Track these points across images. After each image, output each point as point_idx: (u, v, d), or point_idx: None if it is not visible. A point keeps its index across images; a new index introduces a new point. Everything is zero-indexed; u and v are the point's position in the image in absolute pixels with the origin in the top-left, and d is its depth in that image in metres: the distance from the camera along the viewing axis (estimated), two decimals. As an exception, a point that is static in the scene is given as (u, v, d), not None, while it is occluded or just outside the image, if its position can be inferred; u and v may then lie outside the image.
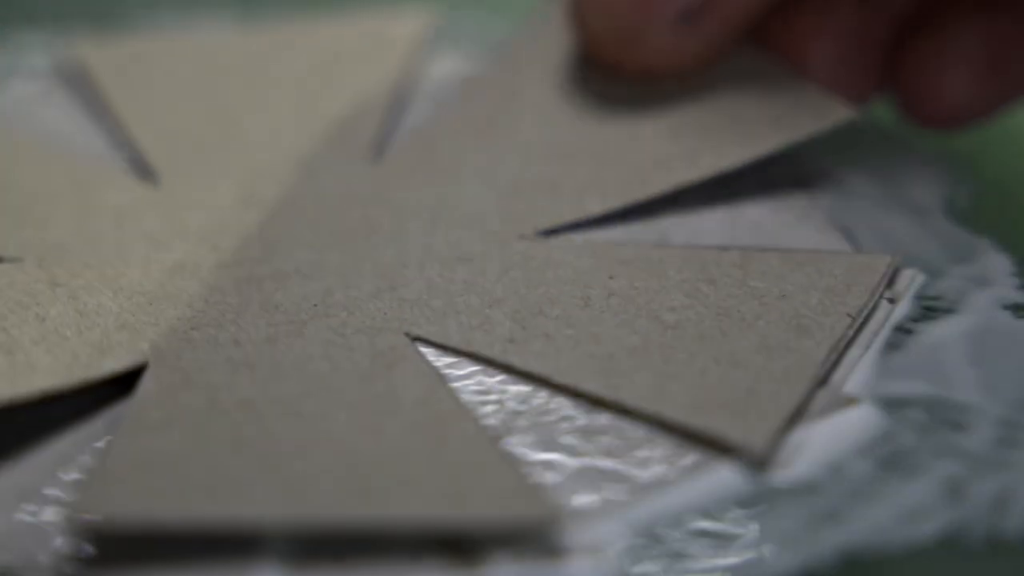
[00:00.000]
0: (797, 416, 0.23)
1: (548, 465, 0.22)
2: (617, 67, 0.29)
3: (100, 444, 0.23)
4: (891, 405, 0.24)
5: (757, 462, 0.22)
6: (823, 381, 0.24)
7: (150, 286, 0.26)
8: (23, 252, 0.27)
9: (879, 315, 0.25)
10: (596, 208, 0.28)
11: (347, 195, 0.29)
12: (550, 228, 0.28)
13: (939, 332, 0.25)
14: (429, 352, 0.25)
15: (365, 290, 0.26)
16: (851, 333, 0.25)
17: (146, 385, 0.24)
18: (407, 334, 0.25)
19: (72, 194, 0.29)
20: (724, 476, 0.22)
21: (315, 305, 0.26)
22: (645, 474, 0.22)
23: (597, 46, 0.29)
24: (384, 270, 0.27)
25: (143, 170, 0.30)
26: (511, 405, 0.24)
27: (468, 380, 0.24)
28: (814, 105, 0.29)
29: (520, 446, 0.23)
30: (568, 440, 0.23)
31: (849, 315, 0.25)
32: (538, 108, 0.30)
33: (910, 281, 0.26)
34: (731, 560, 0.21)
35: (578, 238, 0.28)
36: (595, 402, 0.24)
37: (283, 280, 0.26)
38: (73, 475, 0.23)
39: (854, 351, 0.25)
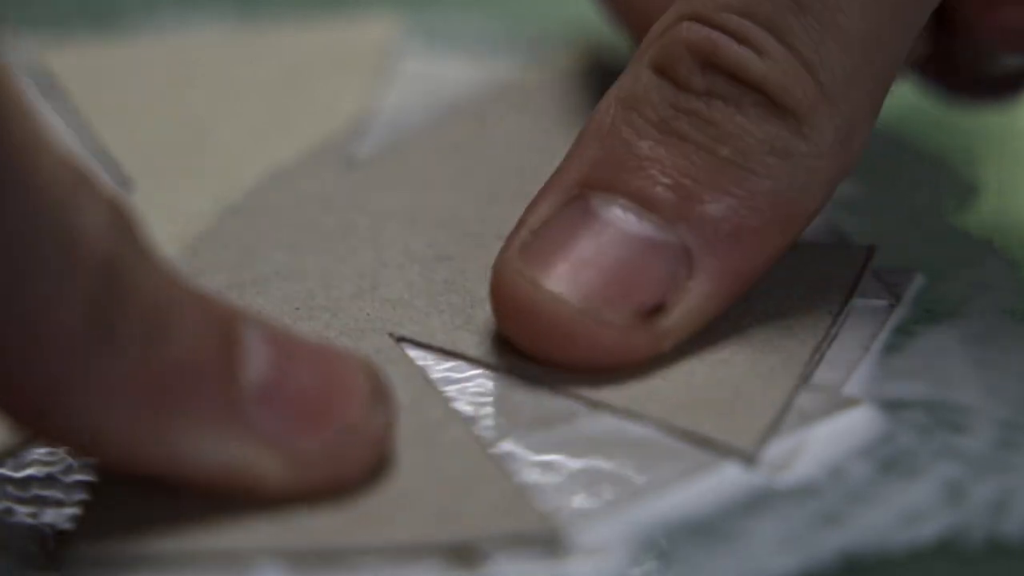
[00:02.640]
0: (784, 414, 0.23)
1: (548, 466, 0.22)
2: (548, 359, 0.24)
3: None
4: (891, 407, 0.24)
5: (746, 460, 0.22)
6: (807, 378, 0.24)
7: None
8: None
9: (879, 318, 0.25)
10: None
11: (322, 199, 0.29)
12: None
13: (939, 335, 0.25)
14: (424, 355, 0.25)
15: (346, 291, 0.26)
16: (835, 331, 0.25)
17: None
18: (391, 335, 0.25)
19: None
20: (724, 477, 0.22)
21: (297, 308, 0.26)
22: (645, 475, 0.22)
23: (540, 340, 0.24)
24: (364, 270, 0.27)
25: (119, 178, 0.30)
26: (512, 407, 0.24)
27: (468, 383, 0.24)
28: None
29: (521, 447, 0.23)
30: (568, 442, 0.23)
31: (830, 312, 0.25)
32: (509, 133, 0.31)
33: (910, 284, 0.26)
34: (731, 562, 0.21)
35: None
36: (595, 403, 0.24)
37: (263, 284, 0.26)
38: (76, 477, 0.23)
39: (855, 353, 0.25)
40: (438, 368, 0.25)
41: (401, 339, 0.25)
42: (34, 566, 0.21)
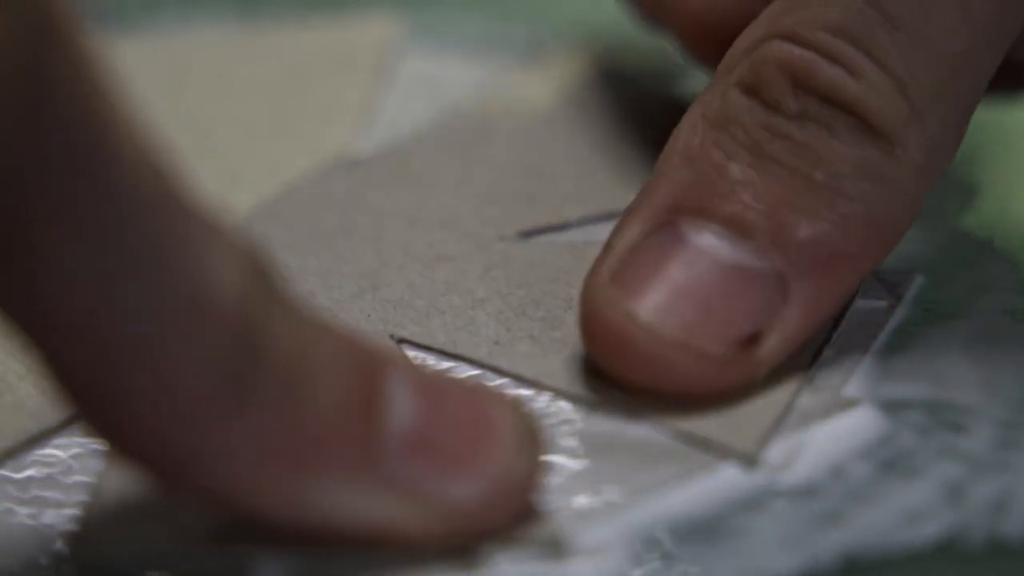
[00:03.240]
0: (784, 416, 0.23)
1: (548, 467, 0.22)
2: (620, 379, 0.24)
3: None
4: (891, 407, 0.24)
5: (748, 462, 0.22)
6: (807, 379, 0.24)
7: None
8: None
9: (879, 318, 0.25)
10: (574, 215, 0.28)
11: (323, 199, 0.29)
12: (533, 229, 0.28)
13: (939, 335, 0.25)
14: (424, 356, 0.25)
15: (347, 291, 0.26)
16: (835, 332, 0.25)
17: None
18: (392, 336, 0.25)
19: None
20: (724, 477, 0.22)
21: None
22: (645, 475, 0.22)
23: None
24: (364, 271, 0.27)
25: None
26: (512, 407, 0.24)
27: (468, 384, 0.24)
28: None
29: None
30: (569, 443, 0.23)
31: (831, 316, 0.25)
32: (511, 134, 0.31)
33: (910, 284, 0.26)
34: (731, 562, 0.21)
35: (559, 238, 0.28)
36: (595, 404, 0.24)
37: None
38: (76, 478, 0.23)
39: (855, 353, 0.25)
40: (437, 368, 0.25)
41: (401, 340, 0.25)
42: (34, 567, 0.21)
